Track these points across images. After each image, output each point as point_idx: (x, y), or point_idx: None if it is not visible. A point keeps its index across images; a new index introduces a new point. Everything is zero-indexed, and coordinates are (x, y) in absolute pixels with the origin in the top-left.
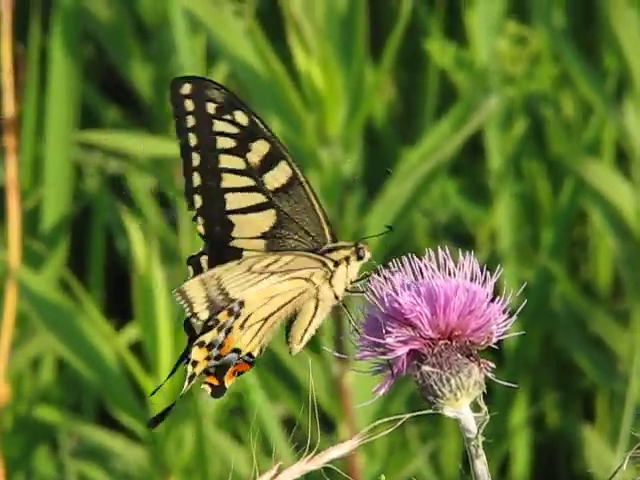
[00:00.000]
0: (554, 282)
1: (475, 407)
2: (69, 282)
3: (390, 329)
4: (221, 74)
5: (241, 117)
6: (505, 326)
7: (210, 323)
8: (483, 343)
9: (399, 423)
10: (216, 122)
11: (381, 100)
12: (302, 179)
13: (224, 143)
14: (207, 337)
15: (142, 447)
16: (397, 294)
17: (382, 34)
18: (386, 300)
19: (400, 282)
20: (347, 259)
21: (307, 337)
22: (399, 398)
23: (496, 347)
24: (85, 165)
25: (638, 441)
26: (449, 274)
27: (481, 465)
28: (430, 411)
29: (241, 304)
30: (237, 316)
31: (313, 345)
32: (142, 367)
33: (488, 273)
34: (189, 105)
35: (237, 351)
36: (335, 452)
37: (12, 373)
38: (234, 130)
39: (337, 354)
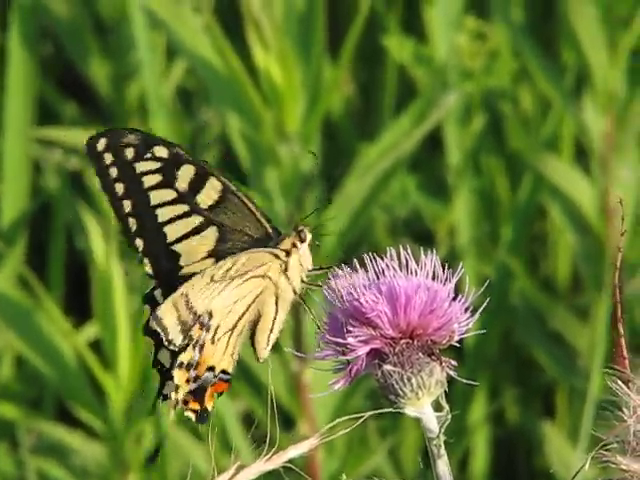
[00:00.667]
0: (513, 278)
1: (437, 406)
2: (28, 279)
3: (351, 328)
4: (180, 70)
5: (160, 151)
6: (467, 324)
7: (185, 342)
8: (445, 342)
9: (359, 421)
10: (138, 164)
11: (340, 96)
12: (233, 188)
13: (150, 180)
14: (184, 357)
15: (101, 444)
16: (358, 292)
17: (340, 30)
18: (347, 299)
19: (361, 281)
20: (294, 245)
21: (272, 339)
22: (359, 394)
23: (457, 345)
24: (44, 162)
25: (599, 439)
26: (410, 273)
27: (443, 465)
28: (392, 409)
29: (210, 315)
30: (207, 329)
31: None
32: (101, 364)
33: (449, 272)
34: (108, 158)
35: (212, 369)
36: (294, 451)
37: None
38: (157, 165)
39: (296, 353)
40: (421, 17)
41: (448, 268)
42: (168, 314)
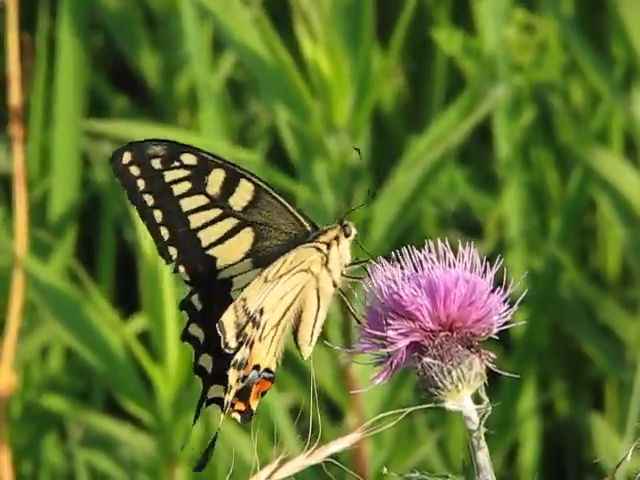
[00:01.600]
0: (563, 270)
1: (477, 398)
2: (77, 272)
3: (391, 321)
4: (228, 63)
5: (188, 158)
6: (506, 316)
7: (238, 343)
8: (484, 334)
9: (403, 415)
10: (166, 174)
11: (389, 88)
12: (266, 187)
13: (180, 189)
14: (238, 355)
15: (150, 436)
16: (397, 286)
17: (389, 22)
18: (386, 292)
19: (400, 274)
20: (337, 239)
21: (316, 335)
22: (406, 386)
23: (497, 337)
24: (93, 154)
25: None
26: (449, 265)
27: (483, 457)
28: (432, 405)
29: (261, 312)
30: (258, 326)
31: (320, 335)
32: (149, 356)
33: (488, 264)
34: (135, 170)
35: (257, 368)
36: (336, 446)
37: (20, 362)
38: (186, 173)
39: (340, 347)
40: (470, 9)
41: (492, 261)
42: (229, 319)
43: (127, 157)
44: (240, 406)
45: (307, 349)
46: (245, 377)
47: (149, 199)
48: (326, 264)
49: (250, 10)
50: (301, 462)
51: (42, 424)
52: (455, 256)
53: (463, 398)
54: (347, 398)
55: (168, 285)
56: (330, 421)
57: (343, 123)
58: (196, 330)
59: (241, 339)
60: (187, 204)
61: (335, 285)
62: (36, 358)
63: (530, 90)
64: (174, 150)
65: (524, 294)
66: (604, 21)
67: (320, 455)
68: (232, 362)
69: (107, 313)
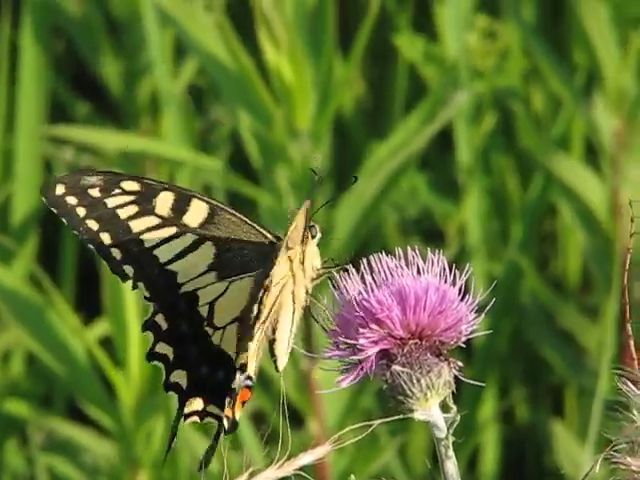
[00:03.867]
0: (523, 276)
1: (444, 406)
2: (39, 277)
3: (361, 329)
4: (191, 68)
5: (130, 185)
6: (474, 325)
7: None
8: (452, 343)
9: (371, 428)
10: (108, 200)
11: (350, 94)
12: (219, 205)
13: (126, 212)
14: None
15: (112, 441)
16: (367, 293)
17: (351, 29)
18: (357, 299)
19: (370, 281)
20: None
21: (291, 344)
22: (368, 392)
23: (465, 344)
24: (55, 160)
25: (607, 439)
26: (418, 273)
27: (451, 466)
28: (400, 416)
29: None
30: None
31: None
32: (111, 361)
33: (457, 272)
34: (71, 200)
35: (244, 370)
36: (308, 458)
37: None
38: (130, 198)
39: (306, 352)
40: (432, 16)
41: (457, 267)
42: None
43: (60, 189)
44: (228, 412)
45: (283, 359)
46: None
47: (93, 224)
48: (302, 262)
49: (212, 16)
50: (271, 474)
51: (3, 429)
52: (424, 263)
53: (432, 406)
54: (308, 404)
55: (130, 290)
56: (291, 426)
57: (305, 129)
58: (164, 348)
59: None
60: (137, 225)
61: (307, 292)
62: None
63: (491, 96)
64: (112, 179)
65: (492, 302)
66: (565, 27)
67: (292, 466)
68: (238, 366)
69: (69, 318)
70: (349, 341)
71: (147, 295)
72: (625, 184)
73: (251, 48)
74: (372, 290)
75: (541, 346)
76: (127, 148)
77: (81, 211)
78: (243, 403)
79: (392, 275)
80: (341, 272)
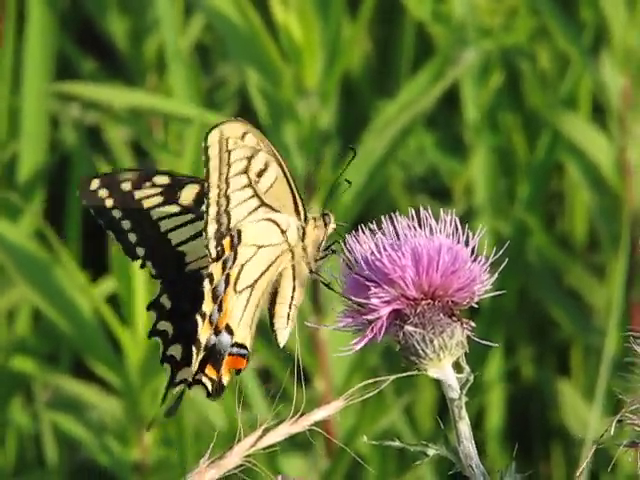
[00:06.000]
0: (530, 235)
1: (456, 367)
2: (46, 233)
3: (373, 289)
4: (198, 26)
5: (161, 179)
6: (486, 285)
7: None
8: (465, 303)
9: (383, 386)
10: (136, 192)
11: (358, 53)
12: None
13: (151, 202)
14: (206, 307)
15: (118, 399)
16: (380, 253)
17: None
18: (370, 259)
19: (382, 241)
20: (314, 219)
21: (292, 317)
22: (374, 351)
23: (476, 305)
24: (62, 116)
25: (614, 398)
26: (431, 232)
27: (464, 427)
28: (414, 372)
29: (238, 236)
30: (235, 255)
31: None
32: (118, 319)
33: (469, 232)
34: (103, 193)
35: (230, 332)
36: (320, 414)
37: None
38: (157, 190)
39: (319, 325)
40: None
41: (463, 226)
42: (211, 230)
43: (95, 184)
44: (211, 372)
45: (283, 333)
46: (218, 330)
47: (116, 213)
48: (302, 239)
49: None
50: (285, 430)
51: (9, 386)
52: (435, 223)
53: (445, 367)
54: (315, 362)
55: None
56: (297, 385)
57: (313, 87)
58: (165, 325)
59: (218, 251)
60: (157, 213)
61: (311, 271)
62: (3, 320)
63: (499, 54)
64: (144, 175)
65: (503, 265)
66: None
67: (305, 422)
68: (201, 312)
69: (76, 275)
70: (361, 300)
71: (153, 273)
72: (632, 143)
73: (259, 6)
74: (385, 249)
75: (547, 305)
76: (133, 104)
77: (109, 202)
78: (238, 372)
79: (405, 235)
80: (352, 233)
